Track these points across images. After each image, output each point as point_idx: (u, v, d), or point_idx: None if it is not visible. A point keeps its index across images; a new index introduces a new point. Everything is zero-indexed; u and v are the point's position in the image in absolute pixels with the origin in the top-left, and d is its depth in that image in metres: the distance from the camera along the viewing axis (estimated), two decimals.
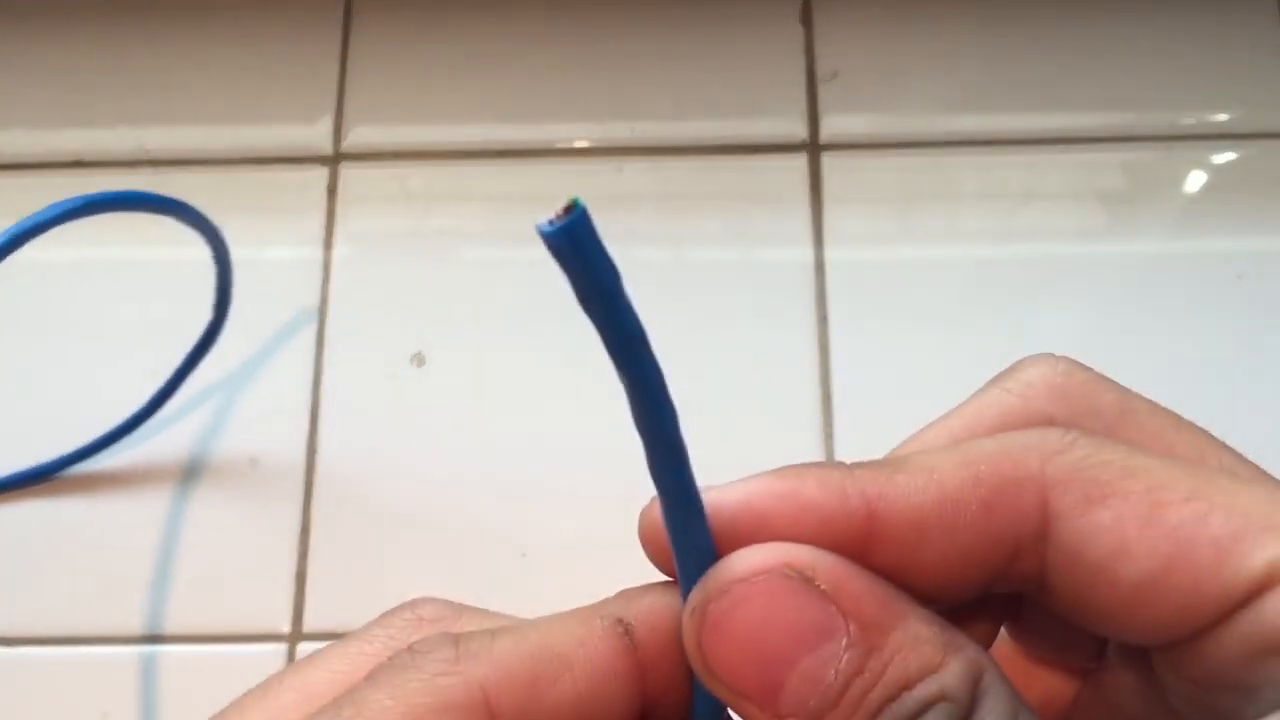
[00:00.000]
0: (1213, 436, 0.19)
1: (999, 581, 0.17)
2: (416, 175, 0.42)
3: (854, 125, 0.42)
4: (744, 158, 0.42)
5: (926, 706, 0.16)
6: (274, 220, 0.42)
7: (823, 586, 0.16)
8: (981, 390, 0.19)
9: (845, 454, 0.37)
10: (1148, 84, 0.42)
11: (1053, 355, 0.19)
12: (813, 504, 0.17)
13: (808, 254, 0.40)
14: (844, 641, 0.16)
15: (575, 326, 0.43)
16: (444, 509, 0.38)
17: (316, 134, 0.43)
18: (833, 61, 0.43)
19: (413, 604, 0.20)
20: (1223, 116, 0.41)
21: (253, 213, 0.42)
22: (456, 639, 0.17)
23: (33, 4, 0.45)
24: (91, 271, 0.42)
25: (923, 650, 0.16)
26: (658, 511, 0.17)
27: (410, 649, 0.17)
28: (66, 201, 0.31)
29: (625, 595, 0.18)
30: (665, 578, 0.18)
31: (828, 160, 0.41)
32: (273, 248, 0.42)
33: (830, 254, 0.40)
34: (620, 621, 0.17)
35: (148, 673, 0.37)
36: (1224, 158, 0.41)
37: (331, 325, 0.40)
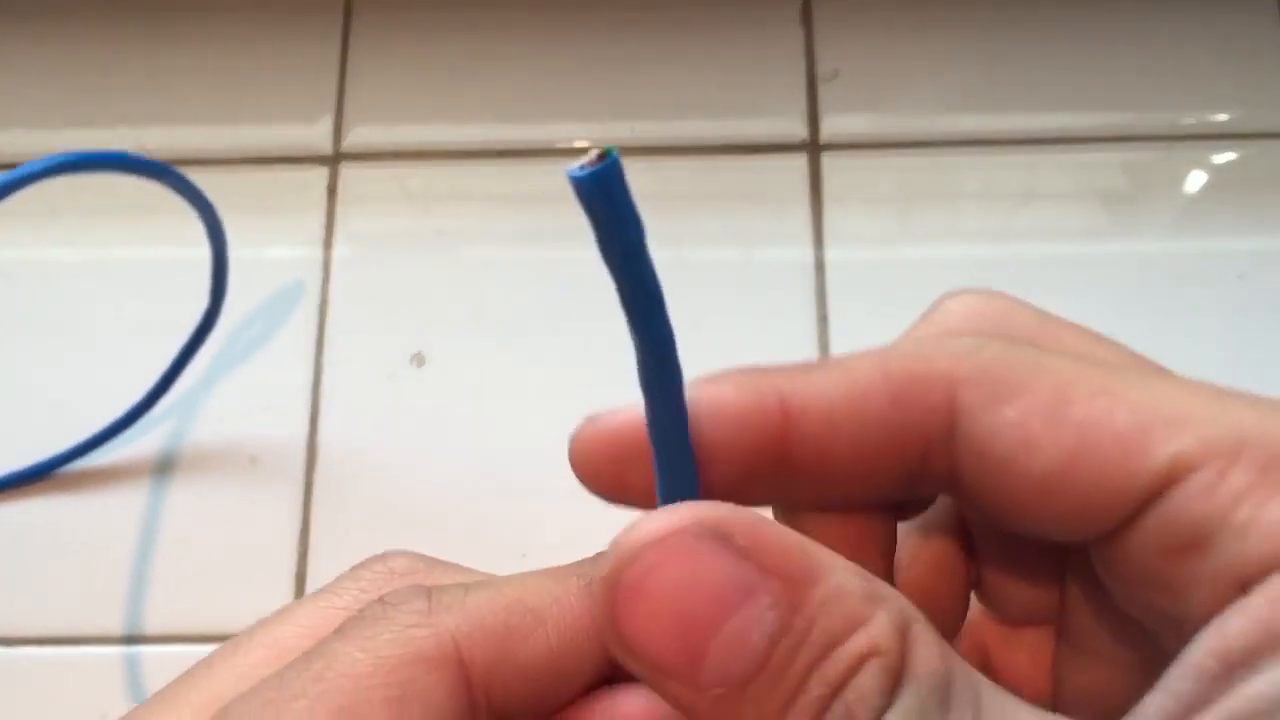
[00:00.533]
0: (1136, 353, 0.19)
1: (915, 484, 0.18)
2: (416, 175, 0.42)
3: (854, 125, 0.42)
4: (744, 158, 0.42)
5: (859, 663, 0.15)
6: (274, 220, 0.42)
7: (740, 543, 0.15)
8: (907, 330, 0.20)
9: None
10: (1148, 84, 0.42)
11: (972, 288, 0.19)
12: (731, 405, 0.17)
13: (808, 254, 0.40)
14: (767, 601, 0.15)
15: (575, 326, 0.44)
16: (444, 508, 0.38)
17: (316, 134, 0.43)
18: (833, 61, 0.43)
19: (383, 557, 0.19)
20: (1223, 116, 0.41)
21: (253, 212, 0.42)
22: (429, 591, 0.17)
23: (33, 4, 0.45)
24: (90, 271, 0.42)
25: (847, 603, 0.15)
26: (595, 431, 0.17)
27: (381, 601, 0.17)
28: (54, 157, 0.31)
29: (602, 556, 0.17)
30: None
31: (828, 160, 0.41)
32: (273, 247, 0.42)
33: (830, 254, 0.40)
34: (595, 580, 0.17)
35: (147, 673, 0.37)
36: (1224, 158, 0.41)
37: (331, 325, 0.40)
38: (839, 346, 0.39)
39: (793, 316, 0.40)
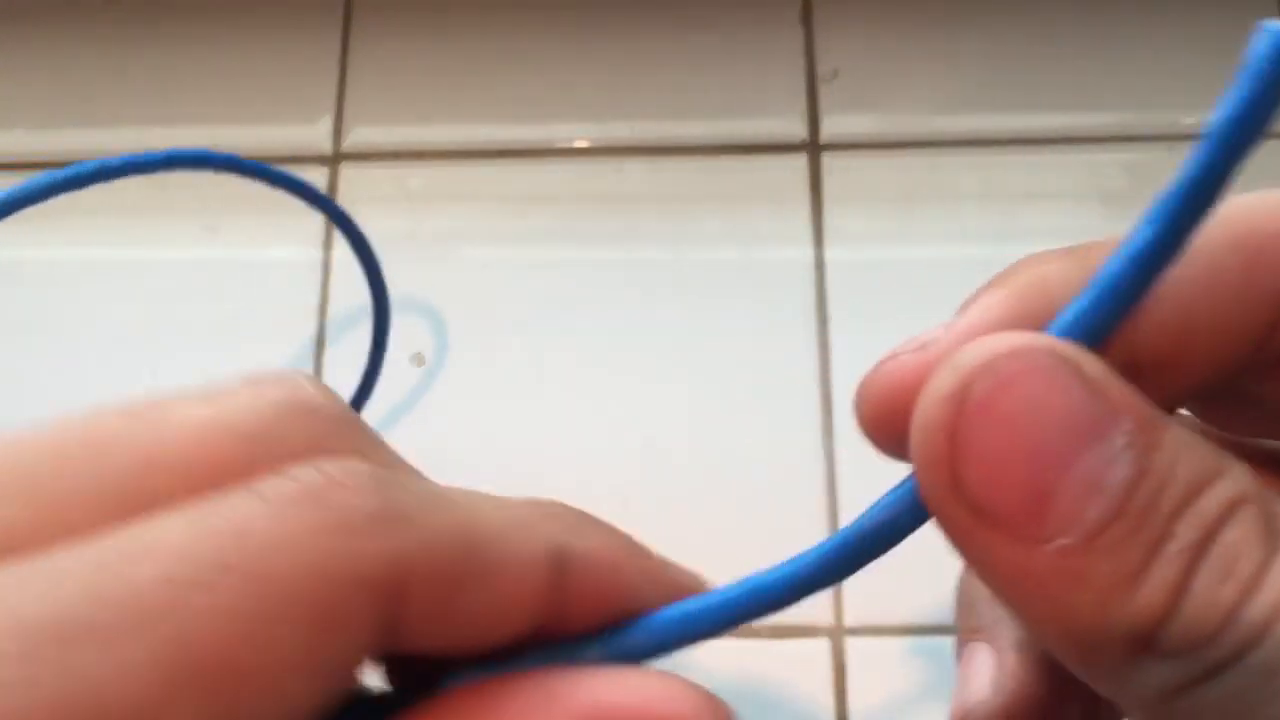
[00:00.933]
0: None
1: (1258, 355, 0.15)
2: (416, 175, 0.42)
3: (854, 125, 0.42)
4: (744, 157, 0.42)
5: (1230, 510, 0.13)
6: (274, 221, 0.42)
7: (1090, 374, 0.13)
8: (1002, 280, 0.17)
9: (846, 454, 0.37)
10: (1148, 84, 0.42)
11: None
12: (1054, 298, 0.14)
13: (808, 253, 0.40)
14: (1121, 440, 0.13)
15: (577, 326, 0.44)
16: None
17: (316, 134, 0.43)
18: (833, 61, 0.43)
19: (291, 380, 0.14)
20: None
21: (253, 213, 0.42)
22: (383, 488, 0.13)
23: (34, 5, 0.45)
24: (92, 272, 0.42)
25: (1200, 450, 0.13)
26: (895, 380, 0.15)
27: (320, 471, 0.12)
28: (165, 153, 0.30)
29: (567, 522, 0.15)
30: None
31: (828, 160, 0.41)
32: (273, 248, 0.42)
33: (830, 254, 0.40)
34: (561, 555, 0.14)
35: None
36: None
37: (332, 325, 0.41)
38: (839, 346, 0.39)
39: (793, 316, 0.40)
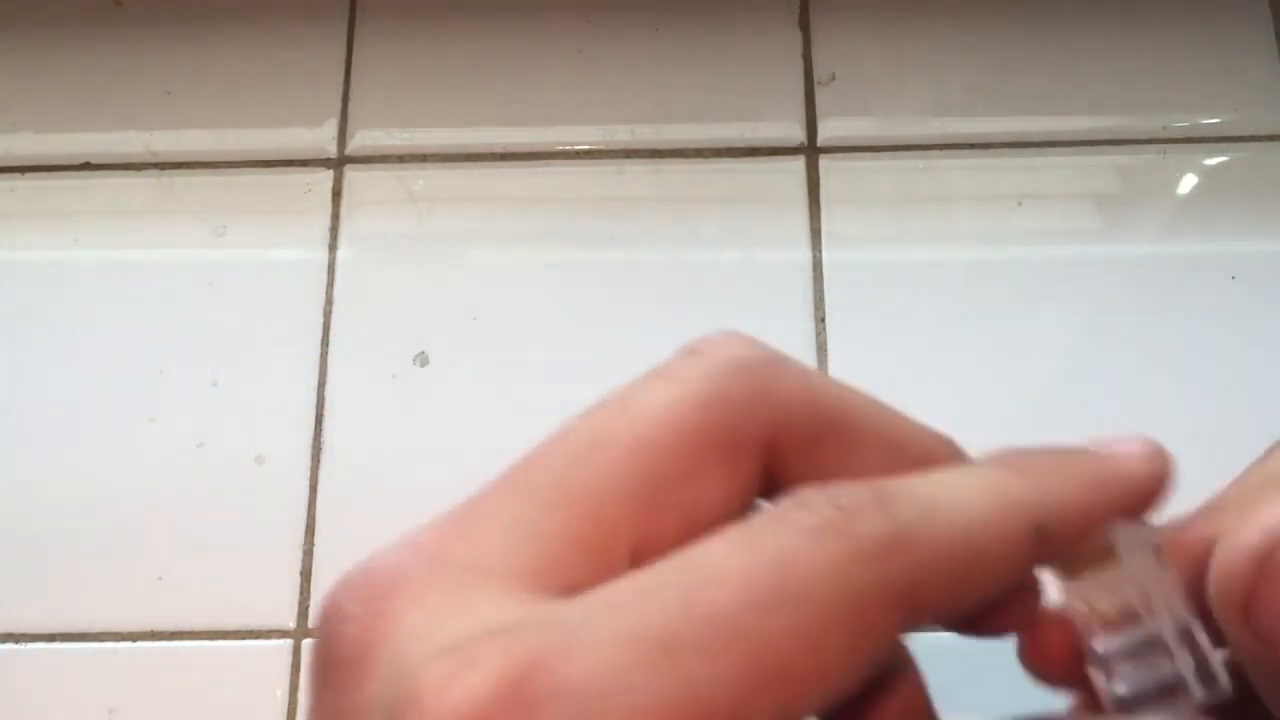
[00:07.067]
0: None
1: None
2: (420, 178, 0.43)
3: (851, 128, 0.42)
4: (743, 160, 0.42)
5: None
6: (279, 222, 0.42)
7: None
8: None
9: None
10: (1141, 88, 0.42)
11: None
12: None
13: (805, 256, 0.41)
14: None
15: (578, 326, 0.44)
16: (448, 507, 0.38)
17: (321, 137, 0.43)
18: (830, 65, 0.43)
19: (725, 342, 0.18)
20: (1215, 119, 0.42)
21: (258, 215, 0.42)
22: (887, 508, 0.15)
23: (41, 9, 0.45)
24: (100, 273, 0.42)
25: None
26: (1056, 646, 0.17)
27: (836, 506, 0.15)
28: None
29: (1036, 485, 0.17)
30: None
31: (825, 163, 0.42)
32: (278, 250, 0.42)
33: (828, 256, 0.41)
34: (1040, 529, 0.16)
35: (153, 669, 0.37)
36: (1217, 160, 0.41)
37: (336, 326, 0.41)
38: (836, 347, 0.39)
39: (790, 317, 0.40)
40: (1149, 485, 0.18)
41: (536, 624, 0.14)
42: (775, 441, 0.17)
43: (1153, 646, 0.17)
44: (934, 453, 0.18)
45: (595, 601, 0.15)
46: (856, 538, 0.15)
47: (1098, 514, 0.17)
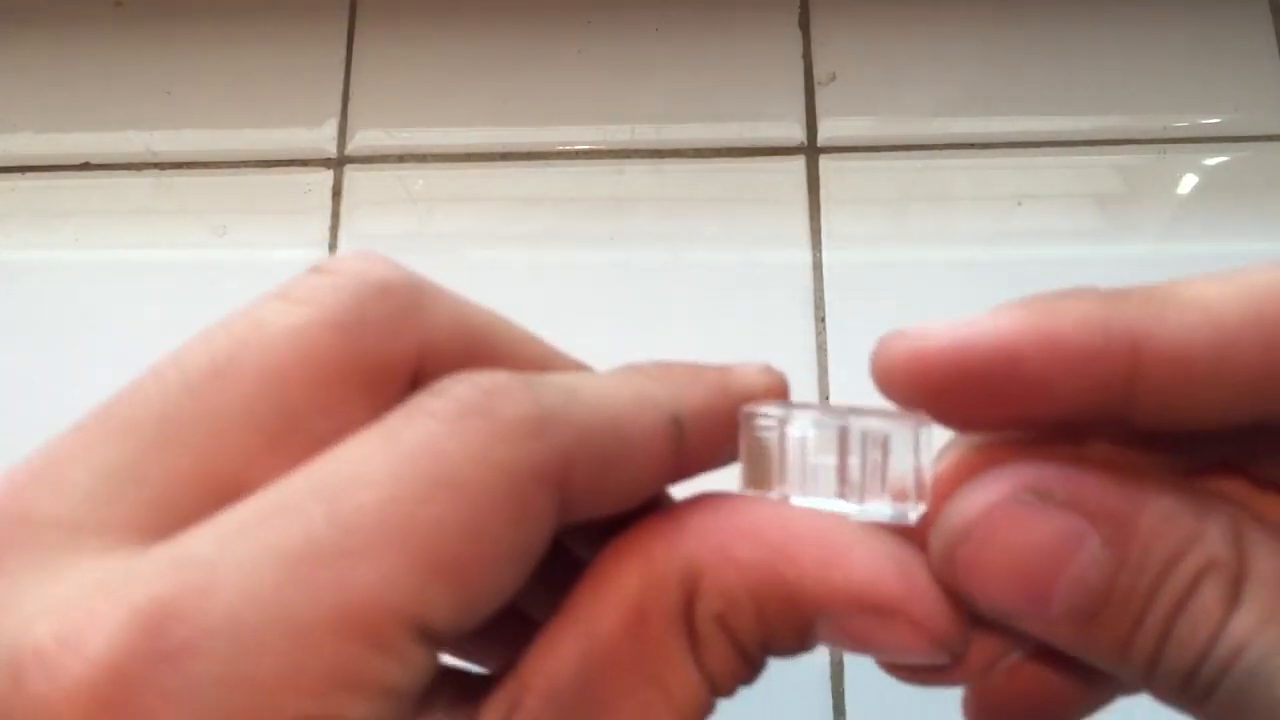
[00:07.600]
0: None
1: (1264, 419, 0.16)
2: (420, 178, 0.43)
3: (851, 128, 0.42)
4: (743, 160, 0.42)
5: (1199, 578, 0.15)
6: (279, 222, 0.42)
7: (1062, 497, 0.16)
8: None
9: None
10: (1141, 88, 0.42)
11: None
12: (1070, 343, 0.15)
13: (805, 255, 0.41)
14: (1097, 542, 0.15)
15: (578, 327, 0.44)
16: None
17: (321, 137, 0.43)
18: (830, 65, 0.43)
19: (357, 263, 0.17)
20: (1215, 120, 0.42)
21: (258, 215, 0.42)
22: (532, 389, 0.15)
23: (41, 9, 0.46)
24: (101, 273, 0.42)
25: (1177, 523, 0.15)
26: (909, 353, 0.17)
27: (479, 389, 0.15)
28: None
29: (671, 387, 0.17)
30: None
31: (825, 163, 0.42)
32: (277, 250, 0.42)
33: (828, 255, 0.41)
34: (677, 421, 0.17)
35: None
36: (1216, 160, 0.42)
37: None
38: (836, 346, 0.39)
39: (791, 317, 0.40)
40: (767, 394, 0.19)
41: (156, 566, 0.13)
42: (422, 368, 0.16)
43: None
44: None
45: (221, 529, 0.13)
46: (502, 418, 0.14)
47: (726, 413, 0.18)
